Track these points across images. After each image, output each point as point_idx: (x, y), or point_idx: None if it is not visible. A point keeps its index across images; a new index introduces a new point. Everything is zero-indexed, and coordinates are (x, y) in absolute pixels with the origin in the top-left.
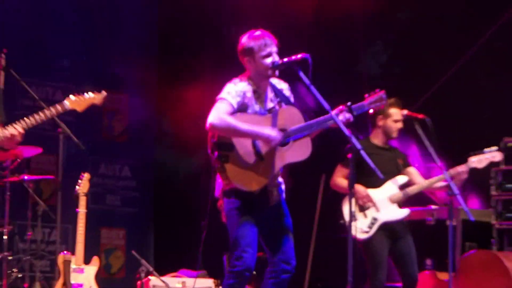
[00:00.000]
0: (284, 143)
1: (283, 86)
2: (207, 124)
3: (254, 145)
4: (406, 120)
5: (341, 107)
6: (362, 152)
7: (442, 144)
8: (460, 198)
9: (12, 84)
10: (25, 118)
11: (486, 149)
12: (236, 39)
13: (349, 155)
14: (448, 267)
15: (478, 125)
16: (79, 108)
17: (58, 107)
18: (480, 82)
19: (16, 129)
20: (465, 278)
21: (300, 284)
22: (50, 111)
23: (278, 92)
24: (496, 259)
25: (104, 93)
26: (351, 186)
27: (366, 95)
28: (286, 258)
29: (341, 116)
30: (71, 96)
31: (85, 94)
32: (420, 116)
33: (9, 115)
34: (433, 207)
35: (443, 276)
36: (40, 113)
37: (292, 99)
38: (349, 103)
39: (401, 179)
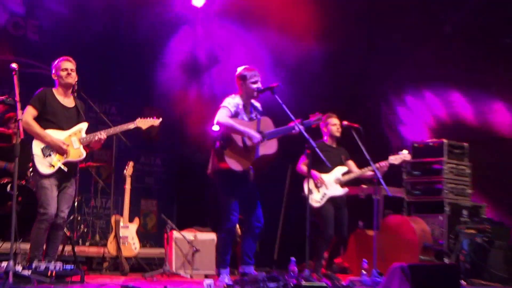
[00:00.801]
0: (263, 137)
1: (257, 104)
2: (215, 121)
3: (243, 141)
4: (346, 128)
5: (297, 120)
6: (316, 149)
7: (370, 145)
8: (382, 181)
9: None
10: (108, 129)
11: (400, 152)
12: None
13: (308, 151)
14: (373, 227)
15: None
16: (143, 126)
17: (130, 124)
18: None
19: (102, 135)
20: (385, 234)
21: (274, 237)
22: (124, 126)
23: (255, 108)
24: (405, 221)
25: (160, 119)
26: (308, 171)
27: (311, 115)
28: (257, 218)
29: (296, 127)
30: (138, 119)
31: (149, 118)
32: (356, 125)
33: None
34: (364, 186)
35: (370, 232)
36: (118, 127)
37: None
38: (300, 120)
39: (343, 168)
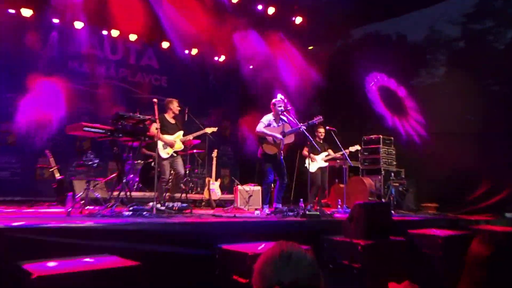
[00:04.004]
0: (284, 136)
1: (284, 118)
2: (255, 130)
3: (273, 139)
4: (327, 130)
5: (304, 124)
6: (312, 141)
7: (341, 140)
8: (348, 158)
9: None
10: (193, 133)
11: (356, 145)
12: (269, 98)
13: (308, 143)
14: (344, 182)
15: (357, 130)
16: (209, 132)
17: (203, 131)
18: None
19: (190, 137)
20: (350, 186)
21: (291, 187)
22: (200, 132)
23: (282, 119)
24: (361, 179)
25: (217, 128)
26: (308, 154)
27: (315, 117)
28: (283, 178)
29: (303, 126)
30: (207, 128)
31: (212, 127)
32: (333, 128)
33: None
34: (338, 161)
35: (342, 185)
36: (197, 132)
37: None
38: (307, 121)
39: (325, 153)
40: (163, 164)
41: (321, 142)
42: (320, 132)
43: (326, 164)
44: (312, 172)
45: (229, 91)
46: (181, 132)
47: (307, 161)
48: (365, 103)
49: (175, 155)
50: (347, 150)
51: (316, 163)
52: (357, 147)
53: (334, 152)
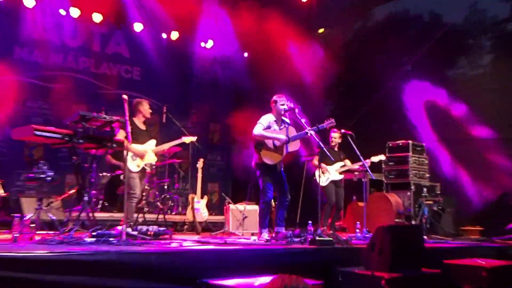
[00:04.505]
0: (287, 141)
1: (286, 119)
2: (252, 133)
3: (273, 143)
4: (343, 134)
5: (314, 127)
6: (324, 148)
7: (360, 147)
8: (369, 170)
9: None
10: (168, 143)
11: (380, 155)
12: (267, 97)
13: (317, 150)
14: (363, 200)
15: (378, 137)
16: (186, 141)
17: (179, 140)
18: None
19: (164, 147)
20: (371, 204)
21: (297, 207)
22: (176, 141)
23: (284, 121)
24: (384, 196)
25: (196, 137)
26: (319, 164)
27: (325, 120)
28: (286, 195)
29: (311, 131)
30: (183, 137)
31: (191, 137)
32: (349, 132)
33: None
34: (356, 173)
35: (361, 204)
36: (172, 142)
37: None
38: (316, 125)
39: (341, 163)
40: (132, 178)
41: (336, 150)
42: (336, 138)
43: (342, 176)
44: (323, 186)
45: (218, 85)
46: (154, 141)
47: (317, 172)
48: (390, 100)
49: (147, 168)
50: (368, 160)
51: (329, 175)
52: (382, 157)
53: (352, 163)
